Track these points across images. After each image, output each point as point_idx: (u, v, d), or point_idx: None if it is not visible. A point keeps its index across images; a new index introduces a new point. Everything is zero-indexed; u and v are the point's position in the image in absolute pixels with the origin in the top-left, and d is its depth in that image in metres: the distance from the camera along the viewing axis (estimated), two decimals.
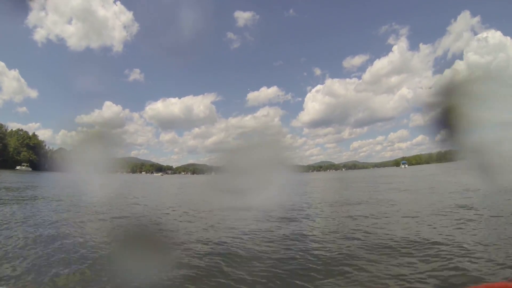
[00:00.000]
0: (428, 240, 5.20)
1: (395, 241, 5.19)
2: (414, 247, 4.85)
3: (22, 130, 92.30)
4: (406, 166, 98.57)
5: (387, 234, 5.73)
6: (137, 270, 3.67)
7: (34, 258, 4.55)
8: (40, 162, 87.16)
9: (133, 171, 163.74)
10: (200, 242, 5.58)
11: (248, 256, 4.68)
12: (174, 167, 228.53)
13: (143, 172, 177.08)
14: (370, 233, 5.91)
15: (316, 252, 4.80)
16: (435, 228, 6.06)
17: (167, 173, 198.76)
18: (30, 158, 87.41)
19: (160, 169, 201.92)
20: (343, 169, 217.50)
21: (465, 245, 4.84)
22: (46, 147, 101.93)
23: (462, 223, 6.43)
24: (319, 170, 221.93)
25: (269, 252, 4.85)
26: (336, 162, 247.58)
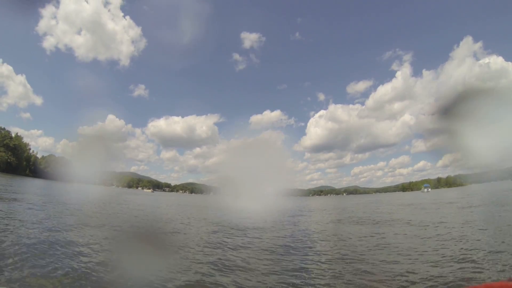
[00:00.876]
0: None
1: None
2: None
3: (3, 129, 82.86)
4: (429, 190, 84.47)
5: None
6: None
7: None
8: (20, 166, 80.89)
9: (129, 185, 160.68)
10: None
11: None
12: (172, 184, 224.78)
13: (140, 188, 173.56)
14: None
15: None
16: None
17: (164, 191, 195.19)
18: (8, 160, 77.96)
19: (157, 186, 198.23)
20: (344, 194, 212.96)
21: None
22: (31, 151, 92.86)
23: None
24: (320, 195, 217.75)
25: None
26: (336, 187, 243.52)
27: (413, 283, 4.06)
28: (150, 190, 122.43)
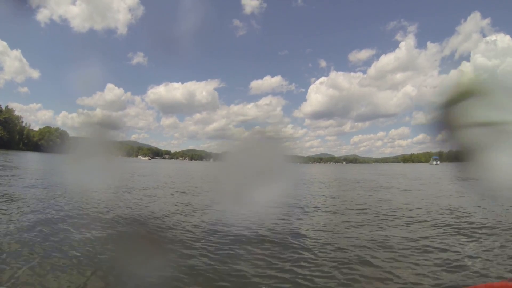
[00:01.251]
0: None
1: None
2: None
3: None
4: (438, 162, 78.51)
5: None
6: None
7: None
8: (12, 140, 79.42)
9: (129, 154, 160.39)
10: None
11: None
12: (172, 152, 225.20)
13: (140, 156, 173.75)
14: None
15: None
16: None
17: (164, 158, 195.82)
18: None
19: (157, 153, 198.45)
20: (344, 163, 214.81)
21: None
22: (23, 124, 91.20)
23: None
24: (319, 162, 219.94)
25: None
26: (335, 155, 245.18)
27: None
28: (147, 158, 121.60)
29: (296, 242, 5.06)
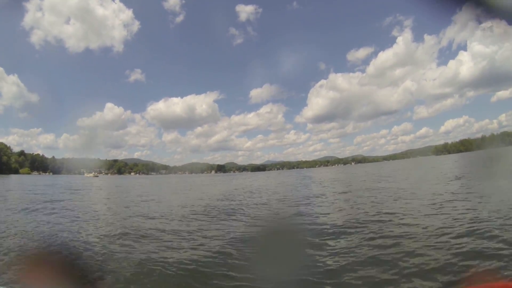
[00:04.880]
0: None
1: None
2: None
3: None
4: None
5: None
6: None
7: None
8: None
9: (120, 172, 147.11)
10: None
11: None
12: (176, 166, 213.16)
13: (133, 173, 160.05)
14: None
15: None
16: None
17: (160, 173, 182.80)
18: None
19: (152, 169, 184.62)
20: (353, 163, 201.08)
21: None
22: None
23: None
24: (326, 165, 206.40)
25: None
26: (340, 157, 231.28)
27: None
28: (91, 175, 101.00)
29: None
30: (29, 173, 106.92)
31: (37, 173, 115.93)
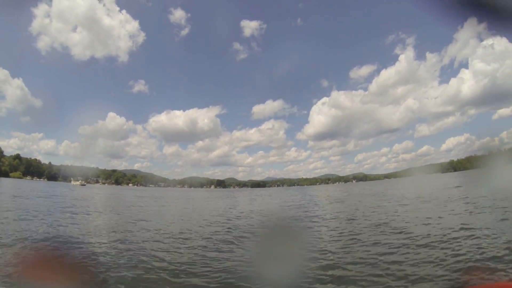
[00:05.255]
0: None
1: None
2: None
3: None
4: None
5: None
6: None
7: None
8: None
9: (118, 182, 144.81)
10: None
11: None
12: (175, 179, 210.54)
13: (131, 184, 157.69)
14: None
15: None
16: None
17: (159, 186, 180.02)
18: None
19: (151, 181, 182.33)
20: (354, 181, 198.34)
21: None
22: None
23: None
24: (327, 183, 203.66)
25: None
26: (340, 175, 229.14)
27: None
28: (78, 183, 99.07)
29: None
30: (20, 178, 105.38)
31: (30, 178, 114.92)
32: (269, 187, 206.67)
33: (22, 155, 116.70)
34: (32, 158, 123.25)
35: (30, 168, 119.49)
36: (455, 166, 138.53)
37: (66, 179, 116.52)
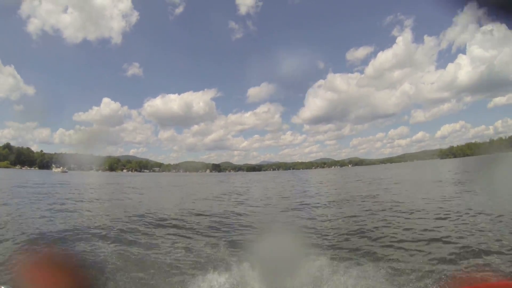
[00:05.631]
0: None
1: None
2: None
3: None
4: None
5: None
6: None
7: None
8: None
9: (112, 168, 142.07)
10: None
11: None
12: (170, 164, 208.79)
13: (125, 170, 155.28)
14: None
15: None
16: None
17: (153, 171, 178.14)
18: None
19: (145, 166, 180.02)
20: (350, 166, 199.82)
21: None
22: None
23: None
24: (323, 167, 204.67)
25: None
26: (335, 159, 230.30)
27: None
28: (59, 170, 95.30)
29: None
30: (7, 167, 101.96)
31: (19, 167, 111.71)
32: (264, 171, 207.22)
33: (16, 145, 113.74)
34: (25, 147, 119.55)
35: (21, 157, 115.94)
36: (455, 153, 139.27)
37: (59, 167, 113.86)
